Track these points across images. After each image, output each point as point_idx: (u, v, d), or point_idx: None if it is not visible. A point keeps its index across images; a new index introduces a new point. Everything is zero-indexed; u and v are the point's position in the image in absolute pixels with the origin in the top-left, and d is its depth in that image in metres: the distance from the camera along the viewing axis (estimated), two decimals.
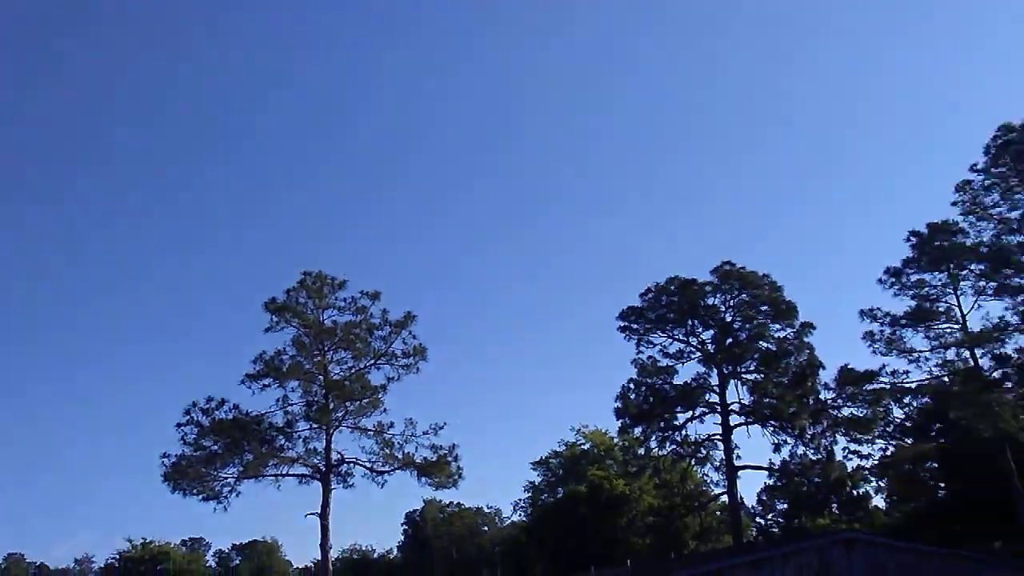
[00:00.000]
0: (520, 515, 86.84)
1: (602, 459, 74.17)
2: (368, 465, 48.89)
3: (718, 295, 60.86)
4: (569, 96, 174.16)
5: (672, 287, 61.65)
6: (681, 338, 61.03)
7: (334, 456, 48.66)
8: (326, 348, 50.31)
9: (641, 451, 62.65)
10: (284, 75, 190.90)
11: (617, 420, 60.72)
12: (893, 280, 52.77)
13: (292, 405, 48.74)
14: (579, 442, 77.12)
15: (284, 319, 49.84)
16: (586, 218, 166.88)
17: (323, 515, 47.67)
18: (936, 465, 58.87)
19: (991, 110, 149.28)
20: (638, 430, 61.09)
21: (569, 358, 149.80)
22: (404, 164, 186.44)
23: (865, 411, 54.81)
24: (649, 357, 61.06)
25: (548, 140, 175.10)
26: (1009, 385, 49.71)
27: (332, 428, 49.00)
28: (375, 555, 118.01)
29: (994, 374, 49.37)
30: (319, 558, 49.60)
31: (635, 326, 62.09)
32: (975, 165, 50.95)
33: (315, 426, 48.78)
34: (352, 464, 48.92)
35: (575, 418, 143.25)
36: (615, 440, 71.29)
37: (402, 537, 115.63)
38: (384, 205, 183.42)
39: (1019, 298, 49.17)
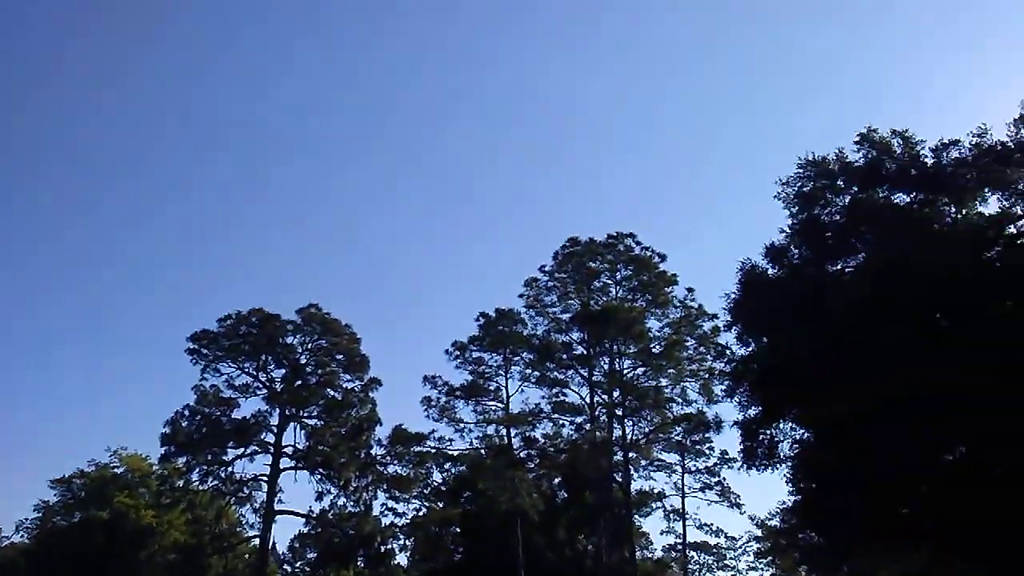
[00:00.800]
0: (23, 536, 76.06)
1: (136, 486, 68.41)
2: None
3: (298, 335, 60.89)
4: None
5: (253, 318, 60.34)
6: (251, 372, 59.75)
7: None
8: None
9: (180, 483, 59.32)
10: None
11: (161, 447, 57.17)
12: (458, 354, 57.06)
13: None
14: (112, 464, 70.36)
15: None
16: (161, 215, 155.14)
17: None
18: (459, 530, 63.60)
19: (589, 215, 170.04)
20: (182, 460, 57.97)
21: (112, 374, 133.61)
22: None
23: (409, 471, 58.01)
24: (212, 386, 58.81)
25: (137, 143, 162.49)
26: (531, 465, 56.05)
27: None
28: None
29: (521, 454, 55.32)
30: None
31: (205, 351, 59.50)
32: (544, 266, 57.79)
33: None
34: None
35: (113, 439, 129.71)
36: (154, 467, 66.39)
37: None
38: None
39: (555, 390, 56.15)
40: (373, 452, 58.26)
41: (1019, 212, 26.57)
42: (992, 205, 27.10)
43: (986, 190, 26.99)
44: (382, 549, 63.03)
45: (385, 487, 58.25)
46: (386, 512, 60.26)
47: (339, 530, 59.33)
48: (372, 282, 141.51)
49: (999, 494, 22.75)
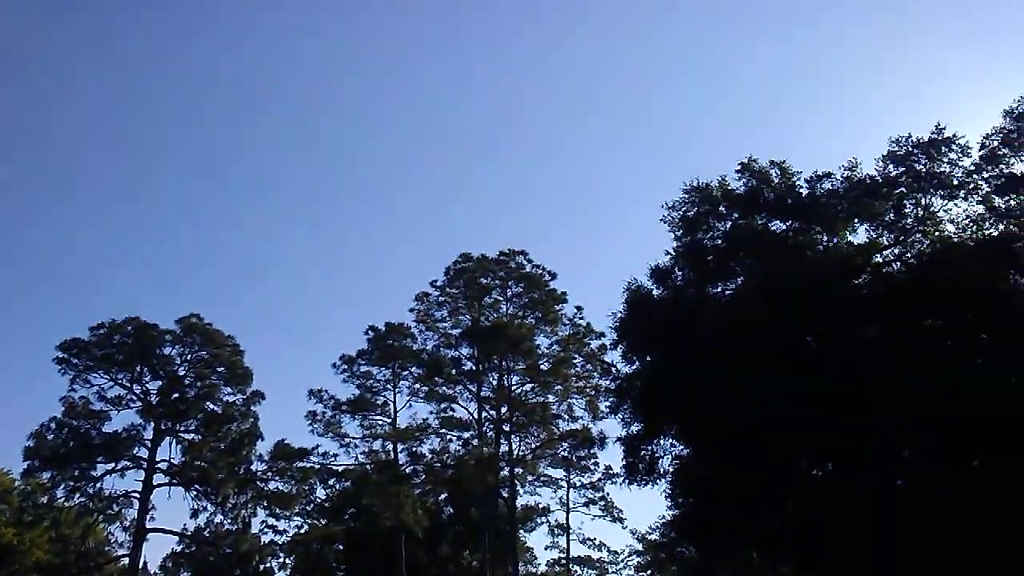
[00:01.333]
0: None
1: None
2: None
3: (176, 346, 58.69)
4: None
5: (129, 327, 57.88)
6: (124, 383, 57.17)
7: None
8: None
9: (44, 499, 56.16)
10: None
11: (24, 461, 53.97)
12: (346, 367, 56.16)
13: None
14: None
15: None
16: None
17: None
18: (342, 547, 62.59)
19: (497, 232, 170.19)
20: (47, 475, 54.92)
21: None
22: None
23: (291, 487, 56.63)
24: (82, 398, 56.00)
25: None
26: (417, 481, 55.66)
27: None
28: None
29: (407, 469, 54.83)
30: None
31: (75, 361, 56.62)
32: (435, 281, 57.64)
33: None
34: None
35: None
36: (16, 483, 62.59)
37: None
38: None
39: (443, 405, 56.00)
40: (254, 468, 56.55)
41: (885, 242, 28.35)
42: (861, 235, 28.91)
43: (856, 221, 28.71)
44: (260, 567, 61.46)
45: (265, 504, 56.64)
46: (266, 530, 58.85)
47: (215, 548, 57.40)
48: (258, 294, 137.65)
49: (862, 510, 24.01)
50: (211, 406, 57.48)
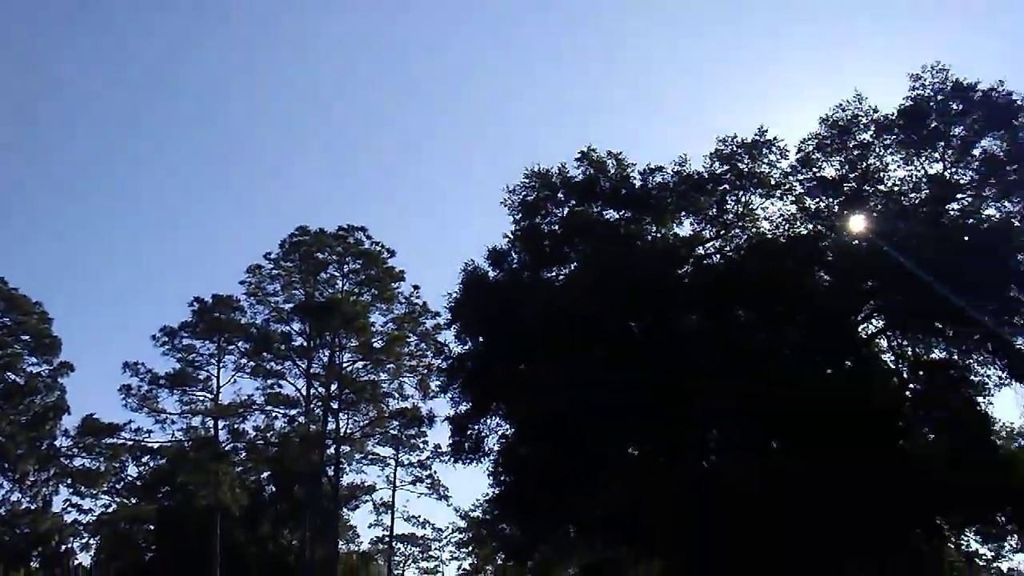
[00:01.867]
0: None
1: None
2: None
3: None
4: None
5: None
6: None
7: None
8: None
9: None
10: None
11: None
12: (166, 340, 53.49)
13: None
14: None
15: None
16: None
17: None
18: (153, 527, 59.63)
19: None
20: None
21: None
22: None
23: (99, 464, 53.49)
24: None
25: None
26: (238, 459, 53.84)
27: None
28: None
29: (228, 447, 52.88)
30: None
31: None
32: (269, 254, 55.69)
33: None
34: None
35: None
36: None
37: None
38: None
39: (270, 381, 54.35)
40: (58, 443, 53.08)
41: (708, 235, 29.78)
42: (687, 227, 30.21)
43: (682, 214, 29.96)
44: (61, 548, 57.52)
45: (70, 481, 53.25)
46: (69, 509, 55.22)
47: (10, 528, 53.23)
48: (73, 260, 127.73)
49: (682, 496, 25.04)
50: (12, 376, 53.53)
